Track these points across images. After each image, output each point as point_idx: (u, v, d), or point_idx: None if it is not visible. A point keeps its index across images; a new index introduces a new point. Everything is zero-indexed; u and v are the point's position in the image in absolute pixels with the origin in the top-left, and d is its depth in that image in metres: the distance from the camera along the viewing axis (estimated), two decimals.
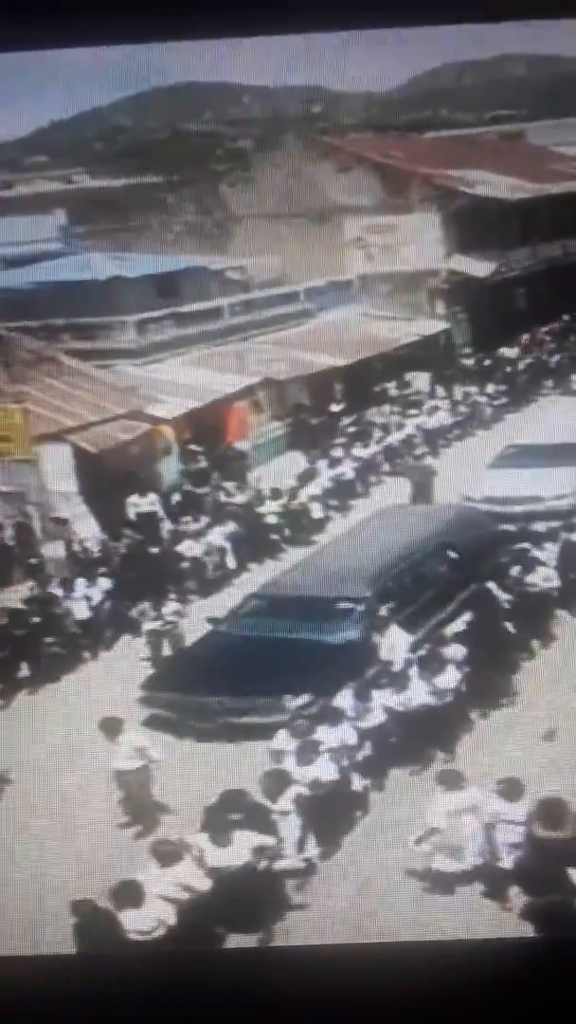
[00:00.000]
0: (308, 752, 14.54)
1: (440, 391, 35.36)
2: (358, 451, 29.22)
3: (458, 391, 34.84)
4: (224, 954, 12.41)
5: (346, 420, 32.47)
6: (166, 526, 25.16)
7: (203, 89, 56.50)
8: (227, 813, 13.32)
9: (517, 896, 12.78)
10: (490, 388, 34.85)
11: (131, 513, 25.38)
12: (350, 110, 56.83)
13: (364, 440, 30.17)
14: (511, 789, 13.16)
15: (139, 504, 25.59)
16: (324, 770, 14.38)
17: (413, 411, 32.63)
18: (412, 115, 55.09)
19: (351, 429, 31.48)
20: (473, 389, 34.90)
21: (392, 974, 10.41)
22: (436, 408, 32.67)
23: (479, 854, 13.22)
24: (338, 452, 28.99)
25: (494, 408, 33.90)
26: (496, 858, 13.17)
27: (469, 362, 38.53)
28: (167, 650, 20.16)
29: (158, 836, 14.28)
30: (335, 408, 33.35)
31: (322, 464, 28.25)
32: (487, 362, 37.88)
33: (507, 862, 13.05)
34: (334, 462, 28.20)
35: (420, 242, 40.40)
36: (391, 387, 35.65)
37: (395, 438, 30.49)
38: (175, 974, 10.92)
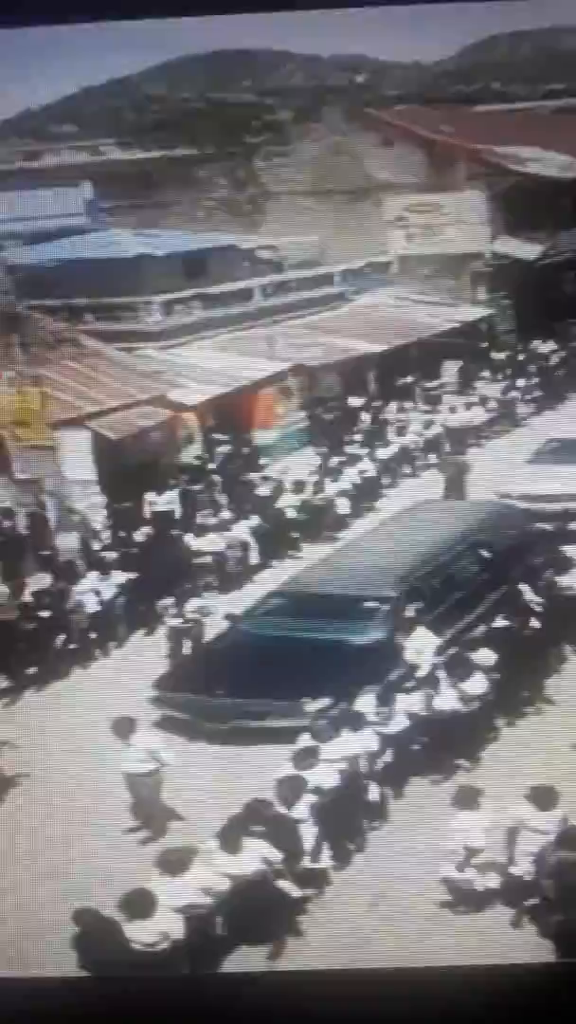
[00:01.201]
0: (309, 758, 14.59)
1: (473, 385, 35.43)
2: (378, 450, 29.17)
3: (492, 387, 34.78)
4: (228, 978, 12.50)
5: (365, 416, 32.45)
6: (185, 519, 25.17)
7: (241, 57, 56.54)
8: (250, 824, 13.40)
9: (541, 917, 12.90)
10: (521, 383, 34.77)
11: (147, 511, 25.36)
12: (396, 81, 56.75)
13: (381, 438, 30.16)
14: (544, 797, 13.25)
15: (156, 502, 25.58)
16: (330, 777, 14.45)
17: (439, 408, 32.77)
18: (462, 87, 54.93)
19: (369, 426, 31.46)
20: (506, 384, 34.89)
21: (405, 1000, 10.52)
22: (466, 405, 32.56)
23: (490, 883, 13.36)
24: (356, 449, 29.11)
25: (528, 403, 33.79)
26: (512, 863, 13.26)
27: (500, 356, 38.38)
28: (187, 648, 20.26)
29: (167, 843, 14.44)
30: (356, 402, 33.24)
31: (337, 460, 28.37)
32: (521, 356, 37.76)
33: (521, 870, 13.13)
34: (353, 459, 28.30)
35: (465, 222, 40.29)
36: (420, 381, 35.63)
37: (414, 437, 30.34)
38: (178, 998, 11.07)
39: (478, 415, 31.64)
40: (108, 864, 14.45)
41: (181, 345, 32.35)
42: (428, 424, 30.99)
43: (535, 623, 18.31)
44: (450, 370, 36.57)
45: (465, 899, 13.33)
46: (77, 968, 12.10)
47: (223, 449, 29.66)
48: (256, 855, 13.02)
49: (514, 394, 33.84)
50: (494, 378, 36.23)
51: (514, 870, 13.23)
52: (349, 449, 29.48)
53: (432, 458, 29.55)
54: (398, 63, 59.27)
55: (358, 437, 30.73)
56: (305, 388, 32.98)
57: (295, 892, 13.26)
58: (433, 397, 34.00)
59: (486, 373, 36.98)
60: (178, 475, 27.43)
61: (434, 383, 35.11)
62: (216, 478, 27.86)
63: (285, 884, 13.18)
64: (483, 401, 32.72)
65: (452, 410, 32.07)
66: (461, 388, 35.61)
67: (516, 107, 49.05)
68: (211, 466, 28.87)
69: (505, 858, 13.31)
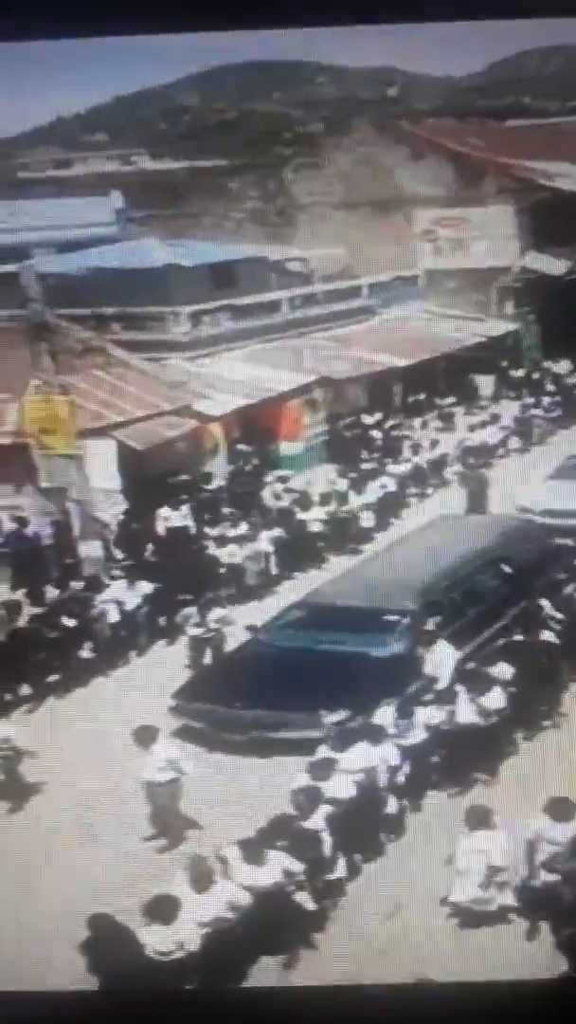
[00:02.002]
0: (327, 769, 14.66)
1: (498, 401, 35.31)
2: (392, 467, 29.16)
3: (509, 405, 34.73)
4: (240, 992, 12.56)
5: (378, 434, 32.23)
6: (206, 530, 25.23)
7: (274, 69, 56.86)
8: (274, 838, 13.48)
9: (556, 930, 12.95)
10: (545, 401, 34.75)
11: (161, 528, 25.21)
12: (427, 94, 56.95)
13: (394, 456, 30.05)
14: (560, 809, 13.33)
15: (170, 517, 25.37)
16: (347, 789, 14.52)
17: (452, 425, 32.74)
18: (492, 101, 55.08)
19: (383, 444, 31.30)
20: (522, 403, 34.79)
21: (419, 1014, 10.56)
22: (482, 424, 32.42)
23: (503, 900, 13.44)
24: (370, 466, 29.07)
25: (547, 421, 33.68)
26: (533, 877, 13.34)
27: (518, 373, 38.30)
28: (208, 658, 20.33)
29: (185, 851, 14.52)
30: (369, 420, 33.08)
31: (353, 476, 28.36)
32: (536, 375, 37.68)
33: (541, 881, 13.23)
34: (371, 474, 28.36)
35: (493, 237, 40.37)
36: (433, 398, 35.58)
37: (426, 456, 30.13)
38: (189, 1011, 11.13)
39: (493, 434, 31.51)
40: (124, 872, 14.56)
41: (208, 356, 32.45)
42: (435, 443, 30.76)
43: (552, 637, 18.33)
44: (484, 385, 36.61)
45: (478, 919, 13.40)
46: (87, 973, 12.20)
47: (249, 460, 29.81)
48: (277, 868, 13.10)
49: (534, 412, 33.76)
50: (513, 396, 36.05)
51: (535, 883, 13.34)
52: (366, 465, 29.42)
53: (443, 476, 29.60)
54: (429, 76, 59.47)
55: (374, 454, 30.62)
56: (331, 401, 33.05)
57: (311, 905, 13.31)
58: (447, 415, 33.73)
59: (506, 391, 36.86)
60: (193, 490, 27.47)
61: (448, 400, 34.80)
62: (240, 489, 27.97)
63: (302, 897, 13.24)
64: (495, 419, 32.54)
65: (471, 428, 32.02)
66: (490, 401, 35.62)
67: (546, 122, 49.08)
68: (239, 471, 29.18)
69: (527, 872, 13.40)
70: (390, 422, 33.41)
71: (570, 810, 13.32)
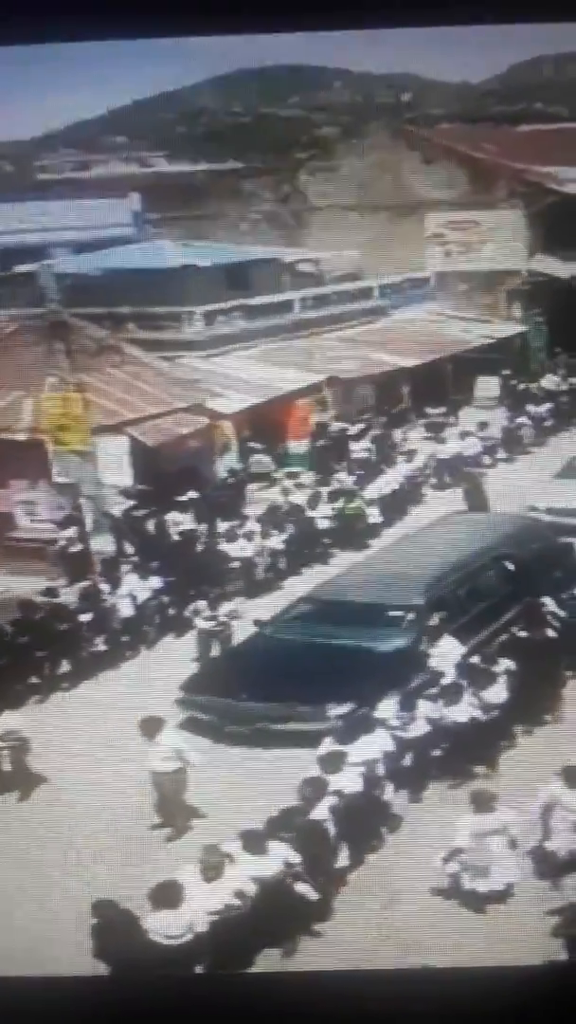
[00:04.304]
0: (335, 761, 14.71)
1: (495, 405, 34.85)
2: (399, 466, 28.88)
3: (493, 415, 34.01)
4: (244, 978, 12.62)
5: (357, 446, 31.16)
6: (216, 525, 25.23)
7: (291, 73, 56.76)
8: (279, 829, 13.54)
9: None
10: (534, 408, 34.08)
11: (172, 532, 25.18)
12: (442, 100, 56.85)
13: (366, 469, 29.07)
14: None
15: (180, 522, 25.35)
16: (349, 781, 14.56)
17: (441, 435, 32.09)
18: (506, 107, 55.00)
19: (361, 455, 30.46)
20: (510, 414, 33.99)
21: (420, 1001, 10.59)
22: (461, 435, 31.29)
23: (506, 876, 13.49)
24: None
25: (539, 429, 33.18)
26: (547, 838, 13.57)
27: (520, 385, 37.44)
28: (216, 651, 20.43)
29: (188, 840, 14.75)
30: (352, 430, 32.29)
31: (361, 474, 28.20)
32: (521, 386, 36.98)
33: (555, 844, 13.49)
34: (374, 473, 28.12)
35: (503, 240, 40.33)
36: (422, 407, 35.14)
37: (411, 466, 29.18)
38: (193, 996, 11.18)
39: (471, 445, 30.47)
40: (130, 860, 14.68)
41: (221, 355, 32.50)
42: (411, 455, 29.80)
43: (554, 635, 18.35)
44: (487, 385, 36.53)
45: (479, 902, 13.51)
46: (94, 959, 12.28)
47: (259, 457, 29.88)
48: (278, 858, 13.17)
49: (521, 420, 33.11)
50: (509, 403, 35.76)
51: (549, 845, 13.57)
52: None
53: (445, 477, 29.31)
54: (445, 82, 59.39)
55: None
56: (340, 400, 33.07)
57: (312, 895, 13.35)
58: (436, 425, 33.44)
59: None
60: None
61: (438, 410, 34.54)
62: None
63: (303, 887, 13.29)
64: (482, 427, 31.54)
65: (462, 436, 31.08)
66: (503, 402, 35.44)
67: (558, 127, 48.97)
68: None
69: (541, 833, 13.64)
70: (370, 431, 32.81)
71: None
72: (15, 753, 16.92)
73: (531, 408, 33.90)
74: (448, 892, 13.66)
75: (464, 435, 31.00)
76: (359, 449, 30.46)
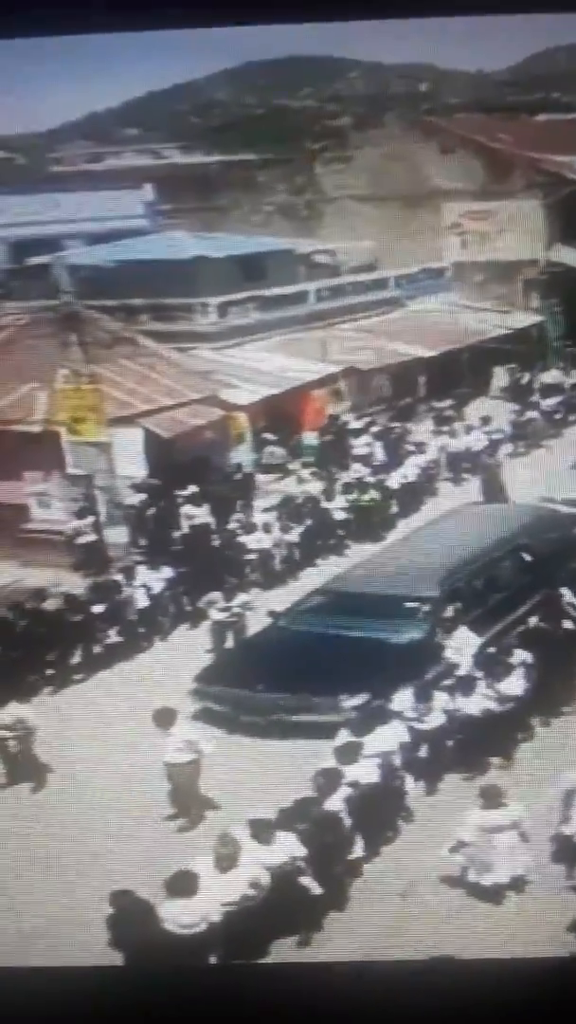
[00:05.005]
0: (351, 753, 14.72)
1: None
2: (414, 457, 28.71)
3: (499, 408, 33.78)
4: (257, 968, 12.63)
5: (359, 441, 30.73)
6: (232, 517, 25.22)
7: (306, 63, 56.62)
8: (295, 820, 13.54)
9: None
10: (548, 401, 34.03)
11: (185, 525, 25.03)
12: (458, 89, 56.67)
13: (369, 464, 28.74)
14: None
15: (193, 516, 25.17)
16: (365, 772, 14.56)
17: (446, 428, 31.62)
18: (523, 97, 54.81)
19: (362, 450, 30.02)
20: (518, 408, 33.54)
21: (434, 991, 10.60)
22: (466, 428, 31.10)
23: (512, 871, 13.53)
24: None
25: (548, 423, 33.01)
26: (565, 822, 13.61)
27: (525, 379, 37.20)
28: (230, 642, 20.47)
29: (202, 831, 14.78)
30: (356, 424, 31.84)
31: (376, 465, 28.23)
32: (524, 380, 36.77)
33: (572, 830, 13.52)
34: (388, 465, 28.16)
35: (520, 230, 40.24)
36: (430, 400, 34.88)
37: (423, 458, 29.03)
38: (207, 986, 11.19)
39: (477, 440, 30.29)
40: (144, 850, 14.66)
41: (236, 346, 32.48)
42: (422, 447, 29.70)
43: (572, 626, 18.33)
44: (500, 376, 36.45)
45: (492, 895, 13.50)
46: (110, 949, 12.30)
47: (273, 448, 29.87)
48: (285, 849, 13.17)
49: (531, 414, 32.89)
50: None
51: (566, 829, 13.57)
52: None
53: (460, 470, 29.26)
54: (461, 72, 59.22)
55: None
56: (356, 391, 33.03)
57: (316, 889, 13.32)
58: (445, 418, 33.00)
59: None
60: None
61: (446, 403, 34.21)
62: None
63: (306, 880, 13.26)
64: (486, 422, 31.38)
65: (455, 435, 30.80)
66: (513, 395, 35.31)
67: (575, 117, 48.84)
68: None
69: (560, 817, 13.64)
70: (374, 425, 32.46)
71: None
72: (21, 743, 16.93)
73: (541, 401, 33.82)
74: (461, 883, 13.68)
75: (469, 429, 30.95)
76: (360, 444, 30.19)
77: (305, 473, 27.87)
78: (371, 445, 30.08)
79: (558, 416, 33.42)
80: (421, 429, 32.18)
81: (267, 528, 24.07)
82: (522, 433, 31.80)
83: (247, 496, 26.95)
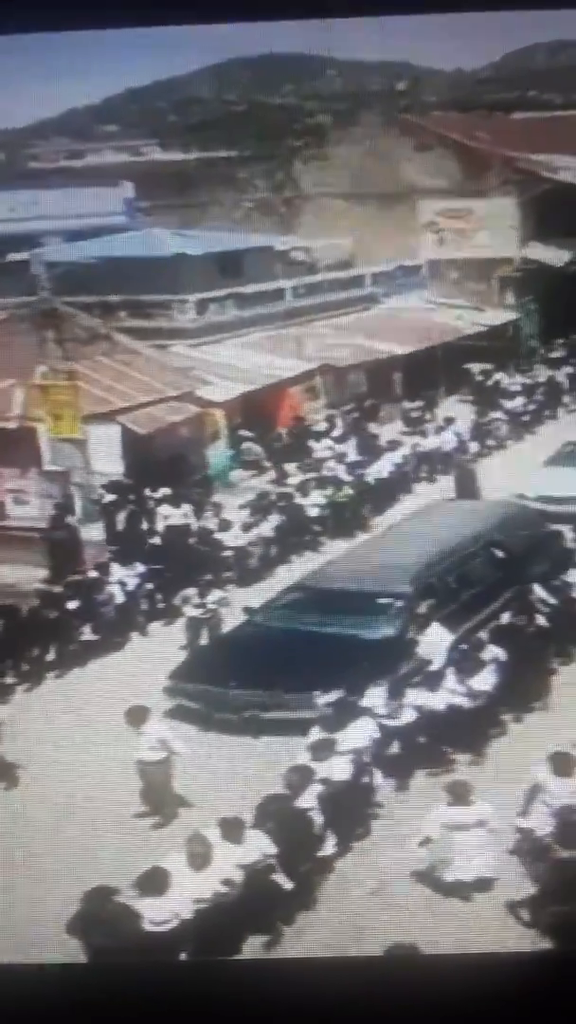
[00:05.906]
0: (324, 749, 14.70)
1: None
2: (388, 454, 28.58)
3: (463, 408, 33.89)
4: (228, 965, 12.59)
5: (319, 444, 30.28)
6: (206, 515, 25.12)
7: (286, 61, 56.71)
8: (266, 818, 13.51)
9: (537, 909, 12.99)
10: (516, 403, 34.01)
11: (160, 525, 24.82)
12: (436, 87, 56.86)
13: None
14: (562, 763, 13.70)
15: (170, 515, 24.96)
16: (337, 769, 14.54)
17: (420, 429, 31.58)
18: (500, 95, 54.98)
19: (324, 453, 29.56)
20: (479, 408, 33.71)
21: (404, 988, 10.58)
22: (436, 429, 31.05)
23: (476, 869, 13.52)
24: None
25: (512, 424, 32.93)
26: (523, 815, 13.62)
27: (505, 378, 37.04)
28: (205, 639, 20.39)
29: (175, 829, 14.67)
30: (323, 426, 31.65)
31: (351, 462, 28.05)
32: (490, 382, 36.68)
33: (529, 824, 13.51)
34: (363, 462, 27.99)
35: (495, 228, 40.40)
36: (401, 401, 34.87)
37: (396, 454, 28.81)
38: (177, 984, 11.15)
39: (447, 440, 30.29)
40: (117, 849, 14.60)
41: (213, 343, 32.46)
42: (395, 445, 29.47)
43: (543, 622, 18.34)
44: (474, 374, 36.48)
45: (460, 891, 13.49)
46: (80, 947, 12.26)
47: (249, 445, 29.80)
48: (257, 848, 13.12)
49: (495, 415, 32.93)
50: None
51: (522, 823, 13.56)
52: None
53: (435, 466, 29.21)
54: (439, 70, 59.34)
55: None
56: (332, 388, 33.01)
57: (287, 885, 13.29)
58: (414, 419, 33.12)
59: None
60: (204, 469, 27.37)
61: (416, 404, 34.18)
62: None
63: (278, 877, 13.24)
64: (449, 422, 31.33)
65: (423, 434, 30.76)
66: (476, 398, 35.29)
67: (551, 115, 48.99)
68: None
69: (522, 810, 13.64)
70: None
71: (571, 764, 13.66)
72: None
73: (505, 403, 33.82)
74: (430, 879, 13.65)
75: (439, 430, 30.94)
76: (321, 448, 29.92)
77: (290, 467, 27.75)
78: (345, 442, 30.02)
79: (525, 419, 33.49)
80: (393, 429, 32.13)
81: (247, 527, 24.02)
82: (486, 433, 31.84)
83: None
